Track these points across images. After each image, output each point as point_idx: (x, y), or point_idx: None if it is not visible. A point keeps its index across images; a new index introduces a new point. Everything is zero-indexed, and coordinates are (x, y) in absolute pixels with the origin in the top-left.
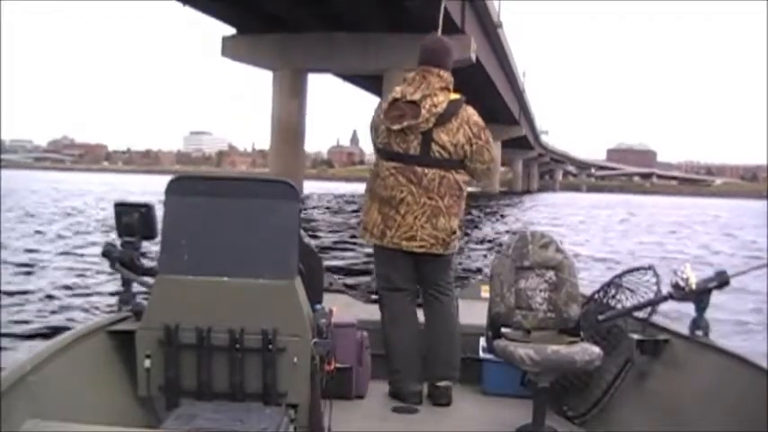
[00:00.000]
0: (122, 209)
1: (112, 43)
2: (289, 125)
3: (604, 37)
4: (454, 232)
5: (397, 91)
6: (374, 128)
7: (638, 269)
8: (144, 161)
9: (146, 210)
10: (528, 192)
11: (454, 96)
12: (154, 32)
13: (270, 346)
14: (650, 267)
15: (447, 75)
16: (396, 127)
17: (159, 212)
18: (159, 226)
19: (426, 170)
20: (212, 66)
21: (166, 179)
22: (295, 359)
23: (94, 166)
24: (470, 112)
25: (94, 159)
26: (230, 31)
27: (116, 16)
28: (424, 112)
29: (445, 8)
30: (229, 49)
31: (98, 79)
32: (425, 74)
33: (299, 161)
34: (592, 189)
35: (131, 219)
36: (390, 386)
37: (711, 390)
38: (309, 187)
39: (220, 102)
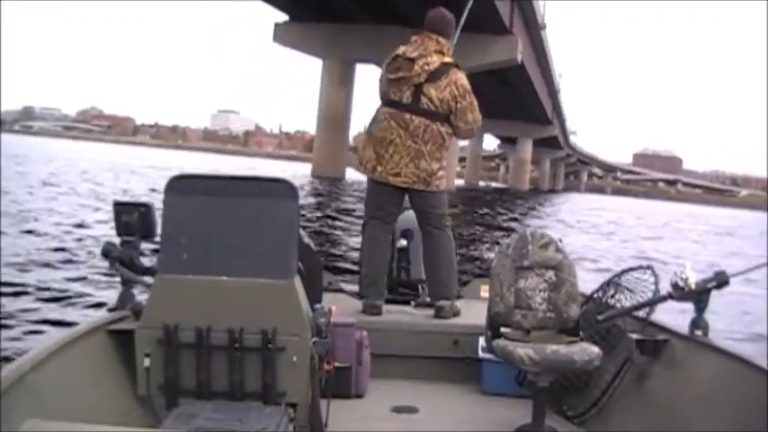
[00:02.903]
0: (121, 208)
1: (145, 20)
2: (336, 114)
3: (638, 41)
4: (434, 174)
5: (400, 50)
6: (380, 79)
7: (637, 269)
8: (171, 136)
9: (145, 209)
10: (553, 191)
11: (447, 60)
12: (186, 12)
13: (269, 346)
14: (649, 267)
15: (444, 41)
16: (392, 76)
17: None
18: (159, 225)
19: (414, 117)
20: (243, 46)
21: (194, 155)
22: (294, 358)
23: (122, 138)
24: (459, 76)
25: (122, 132)
26: (282, 17)
27: None
28: (417, 67)
29: (495, 8)
30: (281, 35)
31: (128, 52)
32: (425, 38)
33: (344, 149)
34: (616, 192)
35: (131, 218)
36: (360, 297)
37: (711, 390)
38: (350, 173)
39: (249, 82)
